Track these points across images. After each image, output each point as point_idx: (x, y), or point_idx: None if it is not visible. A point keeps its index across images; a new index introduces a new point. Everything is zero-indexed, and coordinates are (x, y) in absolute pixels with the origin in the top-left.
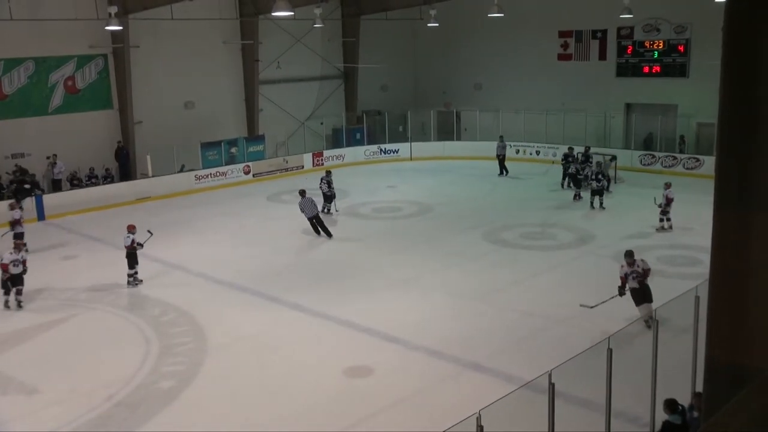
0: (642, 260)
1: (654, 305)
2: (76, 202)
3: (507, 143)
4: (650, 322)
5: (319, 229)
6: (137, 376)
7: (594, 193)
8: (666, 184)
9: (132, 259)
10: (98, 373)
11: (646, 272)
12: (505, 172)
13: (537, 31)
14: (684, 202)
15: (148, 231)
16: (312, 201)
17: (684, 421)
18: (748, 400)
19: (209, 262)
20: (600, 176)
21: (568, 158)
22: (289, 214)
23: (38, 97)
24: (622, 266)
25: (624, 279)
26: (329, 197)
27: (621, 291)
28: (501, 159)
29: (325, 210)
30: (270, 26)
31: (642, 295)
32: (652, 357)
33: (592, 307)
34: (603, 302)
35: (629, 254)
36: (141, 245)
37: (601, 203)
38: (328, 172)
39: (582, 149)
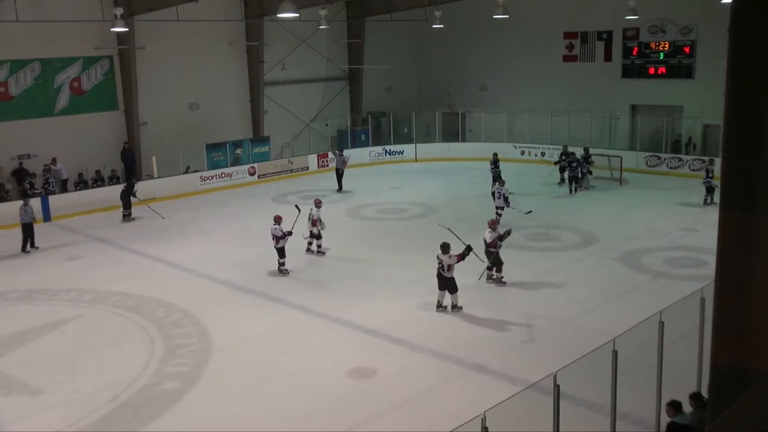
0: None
1: (659, 307)
2: (82, 203)
3: (347, 157)
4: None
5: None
6: (141, 377)
7: (708, 190)
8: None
9: (281, 249)
10: (102, 374)
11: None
12: (341, 189)
13: (542, 32)
14: (689, 204)
15: (296, 206)
16: (31, 209)
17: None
18: (754, 401)
19: (214, 263)
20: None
21: (568, 160)
22: (294, 215)
23: (44, 98)
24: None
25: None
26: (498, 177)
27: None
28: (339, 174)
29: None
30: (275, 28)
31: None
32: (657, 359)
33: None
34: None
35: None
36: (290, 233)
37: (712, 199)
38: (495, 154)
39: (578, 151)
